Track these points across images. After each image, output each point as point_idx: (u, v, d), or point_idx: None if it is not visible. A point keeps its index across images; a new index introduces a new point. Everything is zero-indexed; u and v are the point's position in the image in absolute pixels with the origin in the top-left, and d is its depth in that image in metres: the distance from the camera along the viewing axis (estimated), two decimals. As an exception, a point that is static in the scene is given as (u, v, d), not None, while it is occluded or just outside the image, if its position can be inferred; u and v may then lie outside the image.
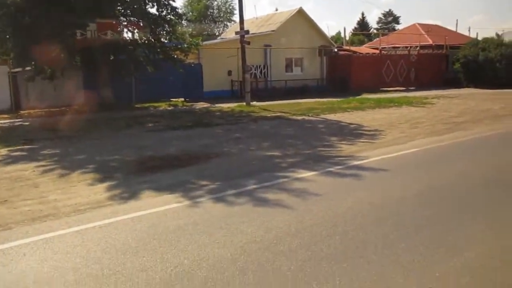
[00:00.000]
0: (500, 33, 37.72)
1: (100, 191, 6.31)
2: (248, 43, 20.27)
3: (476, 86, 28.70)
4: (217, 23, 51.75)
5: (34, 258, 4.09)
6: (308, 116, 15.24)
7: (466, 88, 28.54)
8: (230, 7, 51.81)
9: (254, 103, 19.42)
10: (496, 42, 29.95)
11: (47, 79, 17.29)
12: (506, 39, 31.08)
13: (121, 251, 4.16)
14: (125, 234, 4.59)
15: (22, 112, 18.15)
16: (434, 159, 8.42)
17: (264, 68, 26.14)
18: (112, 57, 18.68)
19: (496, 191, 6.02)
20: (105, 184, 6.66)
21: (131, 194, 6.10)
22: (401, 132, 11.28)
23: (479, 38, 33.45)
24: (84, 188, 6.49)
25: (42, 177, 7.30)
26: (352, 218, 4.91)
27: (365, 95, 23.43)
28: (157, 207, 5.47)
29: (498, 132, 11.40)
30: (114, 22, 17.01)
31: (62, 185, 6.70)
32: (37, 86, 18.47)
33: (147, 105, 19.91)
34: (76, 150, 9.75)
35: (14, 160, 8.85)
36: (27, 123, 14.85)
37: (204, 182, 6.65)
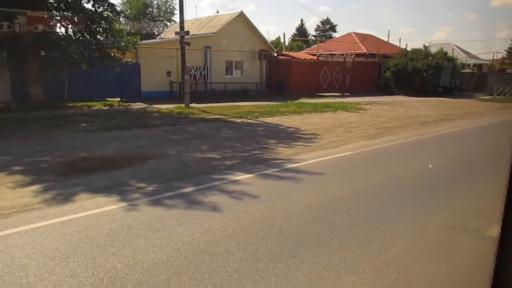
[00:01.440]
0: (427, 44, 40.47)
1: (27, 194, 5.95)
2: (188, 44, 20.06)
3: (405, 94, 30.53)
4: (157, 22, 50.65)
5: (-50, 266, 3.78)
6: (247, 119, 15.36)
7: (396, 96, 30.26)
8: (170, 7, 51.01)
9: (194, 105, 19.25)
10: (424, 53, 32.01)
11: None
12: (432, 50, 33.36)
13: (49, 256, 3.95)
14: (54, 239, 4.36)
15: None
16: (366, 162, 8.83)
17: (204, 70, 26.00)
18: (43, 53, 17.68)
19: (422, 191, 6.44)
20: (33, 187, 6.29)
21: (62, 197, 5.81)
22: (336, 136, 11.70)
23: (408, 48, 35.64)
24: (8, 191, 6.08)
25: (-39, 179, 6.75)
26: (287, 219, 5.02)
27: (303, 100, 24.05)
28: (90, 210, 5.26)
29: (424, 137, 12.19)
30: (45, 16, 16.10)
31: (-16, 188, 6.24)
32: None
33: (80, 104, 19.03)
34: (1, 150, 9.12)
35: None
36: None
37: (140, 184, 6.49)
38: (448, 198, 6.08)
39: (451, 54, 34.23)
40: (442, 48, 33.69)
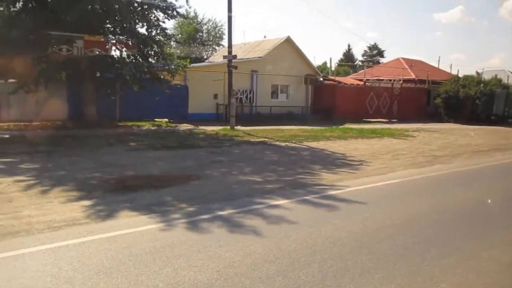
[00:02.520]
0: (480, 71, 39.04)
1: (76, 208, 6.18)
2: (235, 67, 20.46)
3: (455, 121, 29.45)
4: (206, 46, 52.20)
5: (1, 276, 3.95)
6: (292, 143, 15.33)
7: (446, 123, 29.24)
8: (220, 32, 52.46)
9: (239, 127, 19.48)
10: (476, 80, 30.90)
11: (30, 92, 17.05)
12: (485, 77, 32.15)
13: (94, 271, 4.05)
14: (100, 254, 4.48)
15: (1, 124, 17.79)
16: (413, 191, 8.51)
17: (250, 93, 26.37)
18: (98, 74, 18.61)
19: (473, 223, 6.10)
20: (83, 202, 6.53)
21: (109, 213, 5.99)
22: (382, 163, 11.41)
23: (460, 75, 34.53)
24: (60, 205, 6.35)
25: (18, 191, 7.12)
26: (330, 246, 4.89)
27: (349, 125, 23.74)
28: (134, 227, 5.37)
29: (476, 167, 11.63)
30: (102, 40, 17.00)
31: (38, 201, 6.54)
32: (19, 99, 18.19)
33: (130, 123, 19.77)
34: (56, 166, 9.57)
35: (-11, 173, 8.63)
36: (6, 136, 14.55)
37: (183, 204, 6.57)
38: (502, 233, 5.73)
39: (505, 81, 32.80)
40: (496, 75, 32.46)
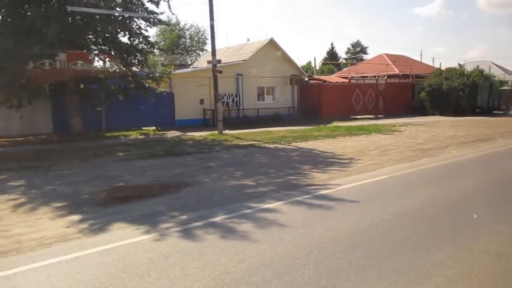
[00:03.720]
0: (462, 63, 39.55)
1: (67, 223, 6.11)
2: (220, 72, 20.44)
3: (441, 114, 29.80)
4: (190, 52, 52.09)
5: (-5, 296, 3.90)
6: (281, 144, 15.36)
7: (432, 116, 29.57)
8: (203, 37, 52.34)
9: (227, 131, 19.46)
10: (459, 72, 31.27)
11: (13, 107, 16.83)
12: (468, 69, 32.57)
13: (89, 286, 4.01)
14: (93, 268, 4.44)
15: (-14, 141, 17.53)
16: (403, 186, 8.59)
17: (236, 96, 26.37)
18: (82, 86, 18.45)
19: (463, 215, 6.18)
20: (73, 217, 6.46)
21: (100, 226, 5.94)
22: (371, 159, 11.49)
23: (443, 68, 34.91)
24: (50, 221, 6.27)
25: (6, 209, 7.02)
26: (324, 246, 4.91)
27: (336, 123, 23.88)
28: (127, 239, 5.34)
29: (463, 158, 11.78)
30: (84, 52, 16.86)
31: (27, 218, 6.46)
32: (3, 115, 17.95)
33: (117, 133, 19.62)
34: (43, 181, 9.45)
35: (-24, 192, 8.49)
36: (-9, 153, 14.34)
37: (175, 213, 6.54)
38: (492, 223, 5.81)
39: (488, 72, 33.29)
40: (478, 66, 32.86)
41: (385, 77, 33.23)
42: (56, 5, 15.94)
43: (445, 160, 11.46)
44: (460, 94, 29.59)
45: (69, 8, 15.51)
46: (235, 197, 7.51)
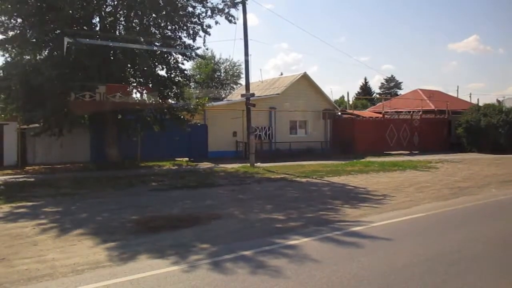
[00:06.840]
0: (500, 99, 38.50)
1: (99, 251, 6.20)
2: (253, 105, 20.72)
3: (479, 151, 28.87)
4: (224, 85, 53.21)
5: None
6: (312, 178, 15.22)
7: (469, 153, 28.68)
8: (237, 71, 53.53)
9: (259, 164, 19.49)
10: (498, 108, 30.44)
11: (54, 135, 17.56)
12: (507, 105, 31.63)
13: (118, 316, 4.01)
14: (123, 298, 4.44)
15: (27, 168, 18.25)
16: (440, 225, 8.27)
17: (268, 129, 26.54)
18: (119, 117, 19.08)
19: (501, 260, 5.85)
20: (106, 244, 6.55)
21: (131, 255, 5.98)
22: (406, 196, 11.19)
23: (480, 104, 34.12)
24: (83, 248, 6.38)
25: (42, 235, 7.21)
26: (356, 285, 4.75)
27: (369, 158, 23.51)
28: (157, 269, 5.34)
29: (504, 198, 11.28)
30: (123, 85, 17.52)
31: (62, 244, 6.60)
32: (45, 143, 18.75)
33: (152, 164, 20.02)
34: (79, 208, 9.69)
35: (15, 217, 8.79)
36: (31, 179, 14.88)
37: (205, 245, 6.52)
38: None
39: (529, 108, 32.19)
40: (517, 102, 31.91)
41: (420, 113, 32.70)
42: (99, 39, 16.76)
43: (485, 199, 11.01)
44: (499, 131, 28.67)
45: (112, 44, 16.29)
46: (266, 231, 7.43)
